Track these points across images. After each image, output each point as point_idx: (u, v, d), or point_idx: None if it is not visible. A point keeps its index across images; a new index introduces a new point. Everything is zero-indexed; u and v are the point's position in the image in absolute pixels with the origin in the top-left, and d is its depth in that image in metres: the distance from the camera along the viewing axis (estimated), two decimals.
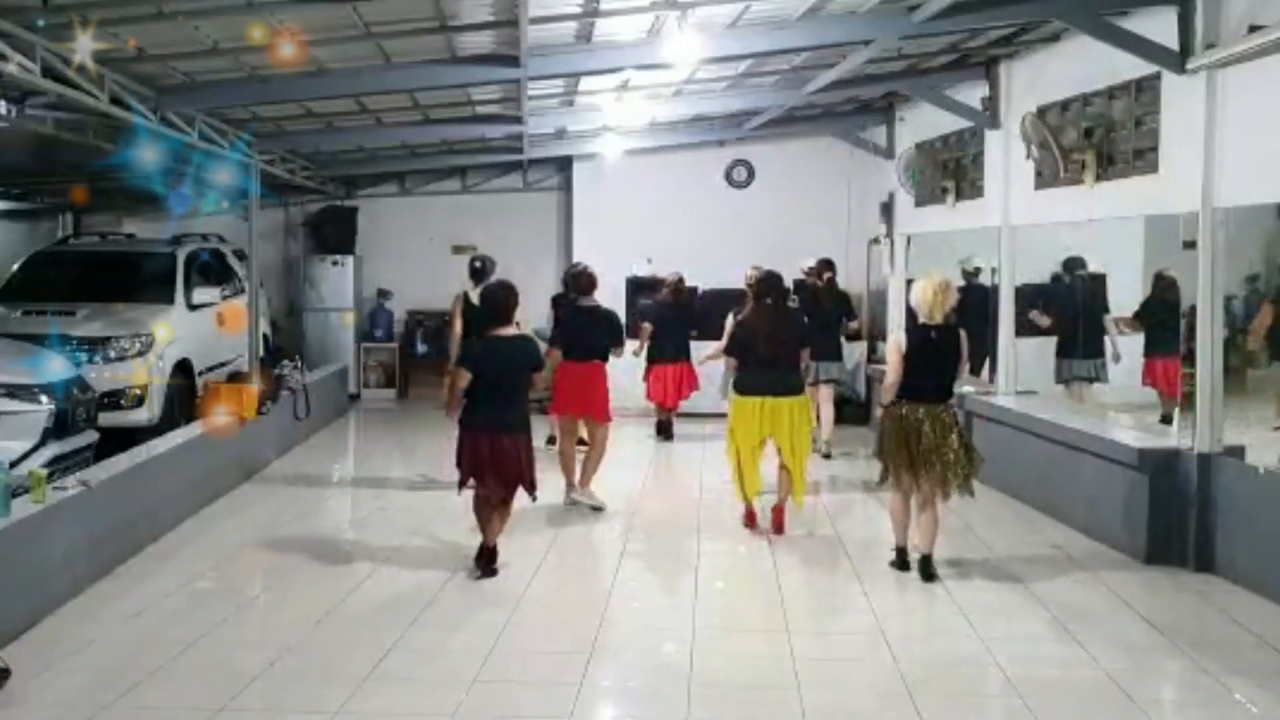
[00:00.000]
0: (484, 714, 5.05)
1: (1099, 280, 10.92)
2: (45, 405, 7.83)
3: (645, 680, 5.57)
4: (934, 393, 7.15)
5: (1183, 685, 5.61)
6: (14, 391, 7.71)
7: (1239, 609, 6.49)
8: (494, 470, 7.09)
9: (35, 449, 7.60)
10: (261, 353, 11.93)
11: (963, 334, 7.30)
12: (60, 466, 7.55)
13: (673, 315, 12.44)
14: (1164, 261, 9.35)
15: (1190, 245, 7.30)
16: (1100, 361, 10.71)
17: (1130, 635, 6.14)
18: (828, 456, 11.21)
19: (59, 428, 7.89)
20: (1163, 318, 10.16)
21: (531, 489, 7.27)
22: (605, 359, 9.28)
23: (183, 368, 11.10)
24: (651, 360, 12.41)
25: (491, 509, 7.19)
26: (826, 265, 11.89)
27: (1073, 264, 10.82)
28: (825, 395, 11.42)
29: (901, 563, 7.30)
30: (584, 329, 9.23)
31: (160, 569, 7.28)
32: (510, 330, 7.27)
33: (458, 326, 9.53)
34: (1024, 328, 10.66)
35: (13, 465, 6.82)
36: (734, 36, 8.66)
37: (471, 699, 5.16)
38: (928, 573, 7.08)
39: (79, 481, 6.89)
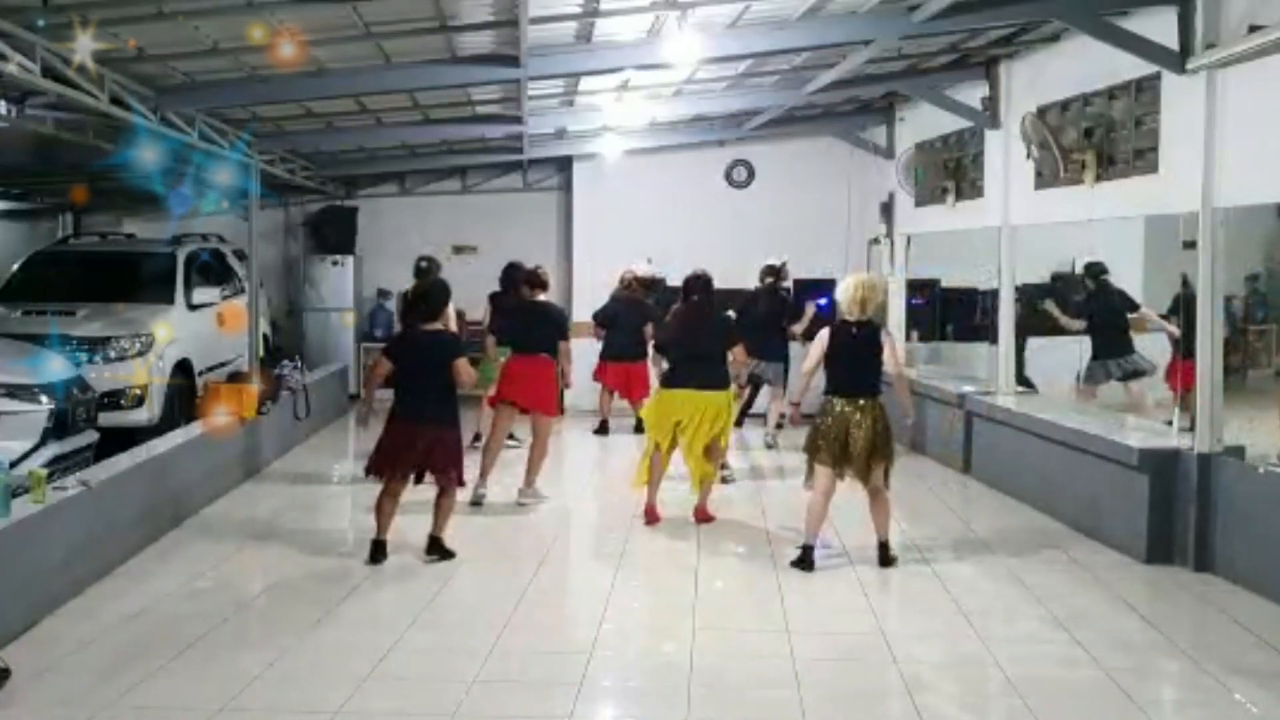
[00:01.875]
0: (484, 714, 5.05)
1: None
2: (45, 405, 7.83)
3: (645, 680, 5.58)
4: (858, 387, 7.33)
5: (1183, 685, 5.61)
6: (14, 391, 7.71)
7: (1239, 609, 6.49)
8: (414, 459, 7.36)
9: (35, 449, 7.60)
10: (261, 353, 11.93)
11: (884, 331, 7.62)
12: (60, 466, 7.55)
13: (625, 312, 12.48)
14: (1164, 261, 9.37)
15: (1190, 245, 7.30)
16: (1134, 357, 10.74)
17: (1130, 635, 6.14)
18: (771, 447, 11.82)
19: (59, 428, 7.90)
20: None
21: (458, 479, 7.54)
22: (554, 354, 9.46)
23: (183, 368, 11.10)
24: (602, 357, 12.55)
25: (393, 500, 7.44)
26: (769, 271, 12.14)
27: (1094, 268, 10.91)
28: (769, 392, 12.08)
29: (805, 562, 7.36)
30: (533, 324, 9.50)
31: (160, 569, 7.28)
32: (435, 325, 7.57)
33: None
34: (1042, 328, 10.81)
35: (13, 465, 6.82)
36: (734, 36, 8.66)
37: (471, 699, 5.16)
38: (886, 558, 7.36)
39: (79, 481, 6.89)
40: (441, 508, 7.55)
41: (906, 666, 5.60)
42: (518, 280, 10.09)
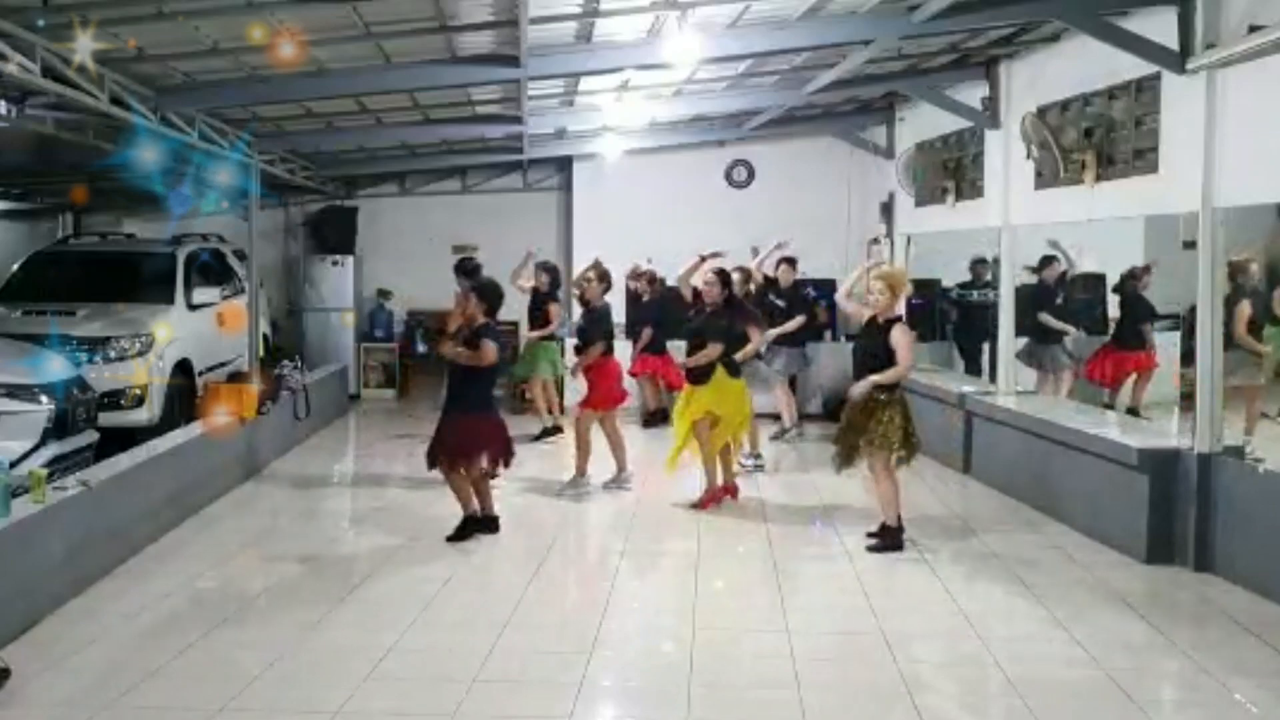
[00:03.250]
0: (484, 714, 5.05)
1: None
2: (45, 405, 7.84)
3: (645, 680, 5.58)
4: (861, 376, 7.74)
5: (1183, 685, 5.61)
6: (14, 391, 7.71)
7: (1239, 609, 6.48)
8: (454, 446, 7.88)
9: (35, 449, 7.60)
10: (261, 353, 11.94)
11: (901, 326, 7.85)
12: (60, 466, 7.55)
13: (647, 310, 12.67)
14: (1164, 261, 9.41)
15: (1190, 245, 7.30)
16: (1054, 349, 11.43)
17: (1130, 635, 6.14)
18: (789, 442, 11.97)
19: (59, 428, 7.90)
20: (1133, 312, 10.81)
21: (497, 461, 8.01)
22: (609, 352, 9.87)
23: (183, 368, 11.10)
24: (643, 351, 12.72)
25: (471, 483, 8.00)
26: (784, 263, 12.34)
27: (1045, 261, 11.49)
28: (778, 386, 12.12)
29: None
30: (591, 325, 9.91)
31: (160, 569, 7.28)
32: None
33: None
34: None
35: (13, 465, 6.82)
36: (734, 36, 8.67)
37: (471, 699, 5.16)
38: (870, 542, 7.77)
39: (79, 481, 6.89)
40: (480, 489, 8.08)
41: (906, 666, 5.60)
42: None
